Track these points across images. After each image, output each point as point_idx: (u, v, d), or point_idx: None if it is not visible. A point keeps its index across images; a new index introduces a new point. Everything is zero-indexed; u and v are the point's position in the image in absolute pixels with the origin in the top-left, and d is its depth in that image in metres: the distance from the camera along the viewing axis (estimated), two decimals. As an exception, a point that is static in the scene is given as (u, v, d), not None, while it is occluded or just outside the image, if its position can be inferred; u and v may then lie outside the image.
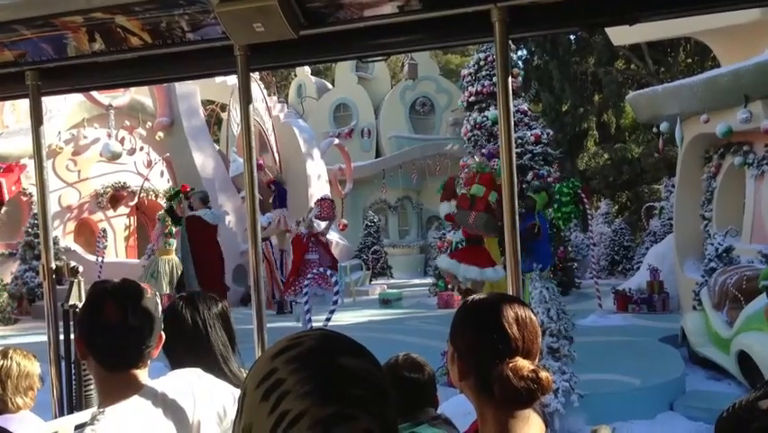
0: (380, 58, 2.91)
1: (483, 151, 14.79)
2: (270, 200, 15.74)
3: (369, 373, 0.83)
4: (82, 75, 2.81)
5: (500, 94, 2.29)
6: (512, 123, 2.29)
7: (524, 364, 1.41)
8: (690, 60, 26.27)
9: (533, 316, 1.51)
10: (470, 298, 1.59)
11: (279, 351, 0.84)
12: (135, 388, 1.65)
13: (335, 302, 9.89)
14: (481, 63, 15.63)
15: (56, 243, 14.30)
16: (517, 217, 2.31)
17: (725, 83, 9.60)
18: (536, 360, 1.48)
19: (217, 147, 19.19)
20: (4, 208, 15.59)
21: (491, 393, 1.41)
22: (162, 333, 1.75)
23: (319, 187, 18.47)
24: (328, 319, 9.55)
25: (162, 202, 17.99)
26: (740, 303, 7.45)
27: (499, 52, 2.26)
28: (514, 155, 2.31)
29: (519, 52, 25.13)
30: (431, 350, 8.61)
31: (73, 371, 2.75)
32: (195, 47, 2.52)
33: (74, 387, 2.75)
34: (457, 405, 4.02)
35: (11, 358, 2.73)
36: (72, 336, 2.77)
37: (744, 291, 7.60)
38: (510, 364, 1.40)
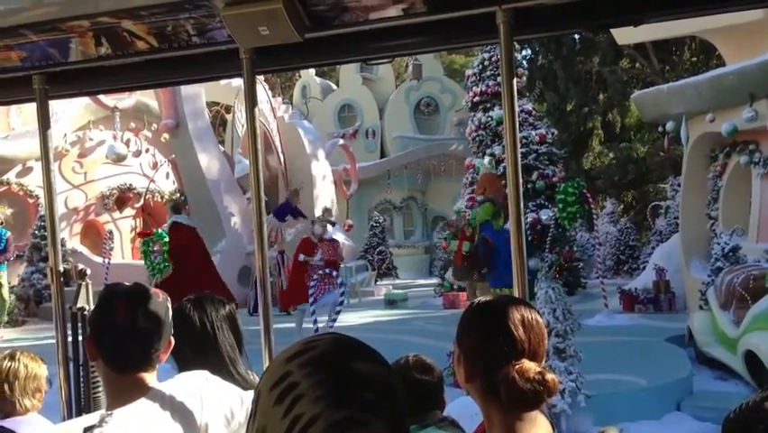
0: (385, 60, 2.91)
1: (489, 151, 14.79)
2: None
3: (381, 378, 0.84)
4: (89, 79, 2.82)
5: (505, 96, 2.29)
6: (517, 125, 2.30)
7: (530, 366, 1.41)
8: (695, 59, 26.16)
9: (539, 318, 1.51)
10: (476, 300, 1.59)
11: (293, 354, 0.85)
12: (143, 390, 1.67)
13: (341, 303, 9.88)
14: (486, 63, 15.62)
15: (63, 245, 14.32)
16: (523, 219, 2.31)
17: (730, 82, 9.57)
18: (543, 362, 1.48)
19: (222, 148, 19.22)
20: (10, 210, 15.70)
21: (498, 395, 1.42)
22: (172, 338, 1.76)
23: (324, 187, 18.49)
24: (334, 320, 9.56)
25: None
26: (747, 303, 7.43)
27: (504, 54, 2.26)
28: (519, 155, 2.32)
29: (524, 52, 25.14)
30: (437, 350, 8.61)
31: (81, 373, 2.76)
32: (200, 50, 2.53)
33: (82, 389, 2.76)
34: (463, 406, 4.01)
35: (18, 360, 2.74)
36: (80, 339, 2.79)
37: (750, 291, 7.57)
38: (516, 366, 1.41)
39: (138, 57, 2.58)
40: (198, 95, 16.99)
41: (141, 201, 17.79)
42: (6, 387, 2.68)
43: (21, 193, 15.79)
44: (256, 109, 2.59)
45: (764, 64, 8.99)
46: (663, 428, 6.06)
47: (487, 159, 14.38)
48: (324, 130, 23.95)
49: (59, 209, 15.14)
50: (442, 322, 11.01)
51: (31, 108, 3.07)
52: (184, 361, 2.06)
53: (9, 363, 2.72)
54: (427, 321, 11.87)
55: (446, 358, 6.95)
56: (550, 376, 1.41)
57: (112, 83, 2.97)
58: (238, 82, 12.70)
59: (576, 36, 26.58)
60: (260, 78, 14.55)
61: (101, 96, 14.98)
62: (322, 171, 18.48)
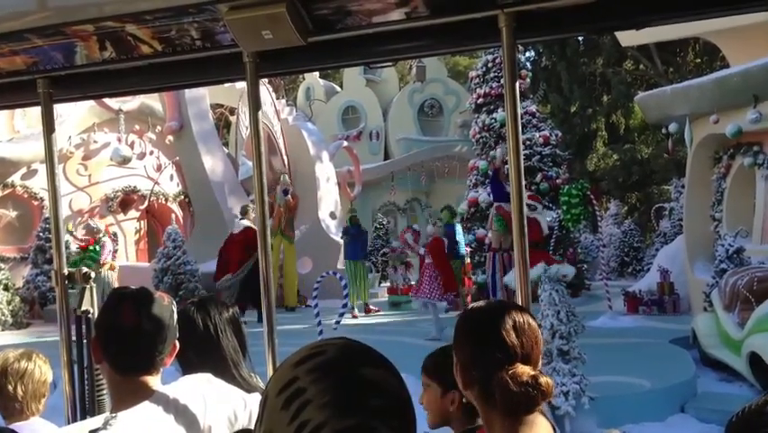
0: (388, 64, 2.91)
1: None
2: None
3: (389, 385, 0.83)
4: (93, 83, 2.83)
5: (508, 98, 2.30)
6: (520, 128, 2.30)
7: (523, 370, 1.41)
8: (699, 61, 26.16)
9: (531, 320, 1.51)
10: (468, 306, 1.59)
11: (301, 359, 0.84)
12: (147, 393, 1.67)
13: (344, 305, 9.88)
14: (489, 65, 15.62)
15: (67, 247, 14.38)
16: (525, 221, 2.31)
17: (734, 83, 9.56)
18: (538, 364, 1.48)
19: (226, 150, 19.24)
20: (15, 213, 15.74)
21: (495, 400, 1.42)
22: (177, 342, 1.76)
23: (328, 189, 18.48)
24: (338, 322, 9.56)
25: (173, 206, 18.10)
26: (751, 304, 7.41)
27: (507, 57, 2.27)
28: (522, 158, 2.32)
29: (527, 54, 25.10)
30: (440, 353, 8.60)
31: (86, 376, 2.76)
32: (204, 54, 2.53)
33: (86, 392, 2.76)
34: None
35: (34, 362, 2.68)
36: (85, 342, 2.79)
37: (755, 293, 7.56)
38: (510, 371, 1.41)
39: (142, 61, 2.59)
40: (202, 97, 17.03)
41: (146, 203, 17.84)
42: (21, 388, 2.60)
43: (25, 195, 15.84)
44: (260, 112, 2.60)
45: (769, 65, 8.98)
46: (668, 430, 6.05)
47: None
48: (328, 132, 23.95)
49: (64, 211, 15.21)
50: (445, 324, 10.97)
51: (35, 111, 3.08)
52: (187, 363, 2.06)
53: (26, 364, 2.65)
54: (431, 323, 11.83)
55: (450, 360, 6.94)
56: (544, 379, 1.41)
57: (116, 87, 2.97)
58: (242, 84, 12.71)
59: (580, 38, 26.58)
60: (264, 80, 14.58)
61: (105, 99, 15.03)
62: (326, 173, 18.47)
